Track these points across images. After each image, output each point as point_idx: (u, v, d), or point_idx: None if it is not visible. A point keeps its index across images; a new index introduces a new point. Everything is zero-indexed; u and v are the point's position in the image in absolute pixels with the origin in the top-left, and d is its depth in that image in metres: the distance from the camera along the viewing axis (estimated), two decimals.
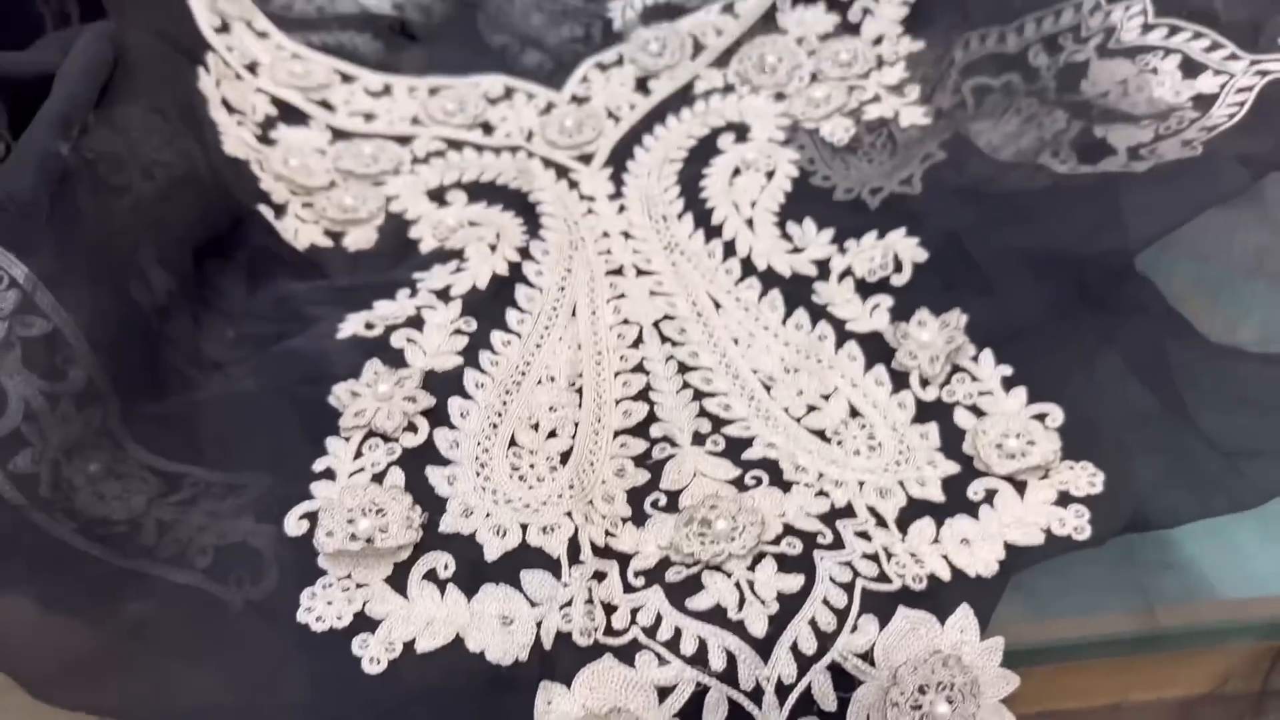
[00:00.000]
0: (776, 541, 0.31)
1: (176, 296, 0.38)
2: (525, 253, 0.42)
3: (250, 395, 0.36)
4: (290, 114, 0.50)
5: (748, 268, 0.43)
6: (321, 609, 0.30)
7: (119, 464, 0.33)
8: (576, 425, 0.35)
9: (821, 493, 0.33)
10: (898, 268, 0.41)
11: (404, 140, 0.50)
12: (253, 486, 0.33)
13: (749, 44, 0.52)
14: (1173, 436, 0.34)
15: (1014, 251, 0.40)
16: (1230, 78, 0.43)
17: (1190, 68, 0.44)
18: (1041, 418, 0.35)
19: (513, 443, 0.35)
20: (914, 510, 0.33)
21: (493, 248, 0.43)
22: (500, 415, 0.35)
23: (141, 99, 0.38)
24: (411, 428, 0.34)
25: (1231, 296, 0.42)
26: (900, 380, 0.38)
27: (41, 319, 0.32)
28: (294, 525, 0.32)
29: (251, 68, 0.51)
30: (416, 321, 0.38)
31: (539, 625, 0.29)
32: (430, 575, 0.31)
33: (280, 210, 0.45)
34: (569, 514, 0.32)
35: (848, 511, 0.33)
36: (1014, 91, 0.47)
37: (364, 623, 0.30)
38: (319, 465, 0.33)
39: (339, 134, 0.50)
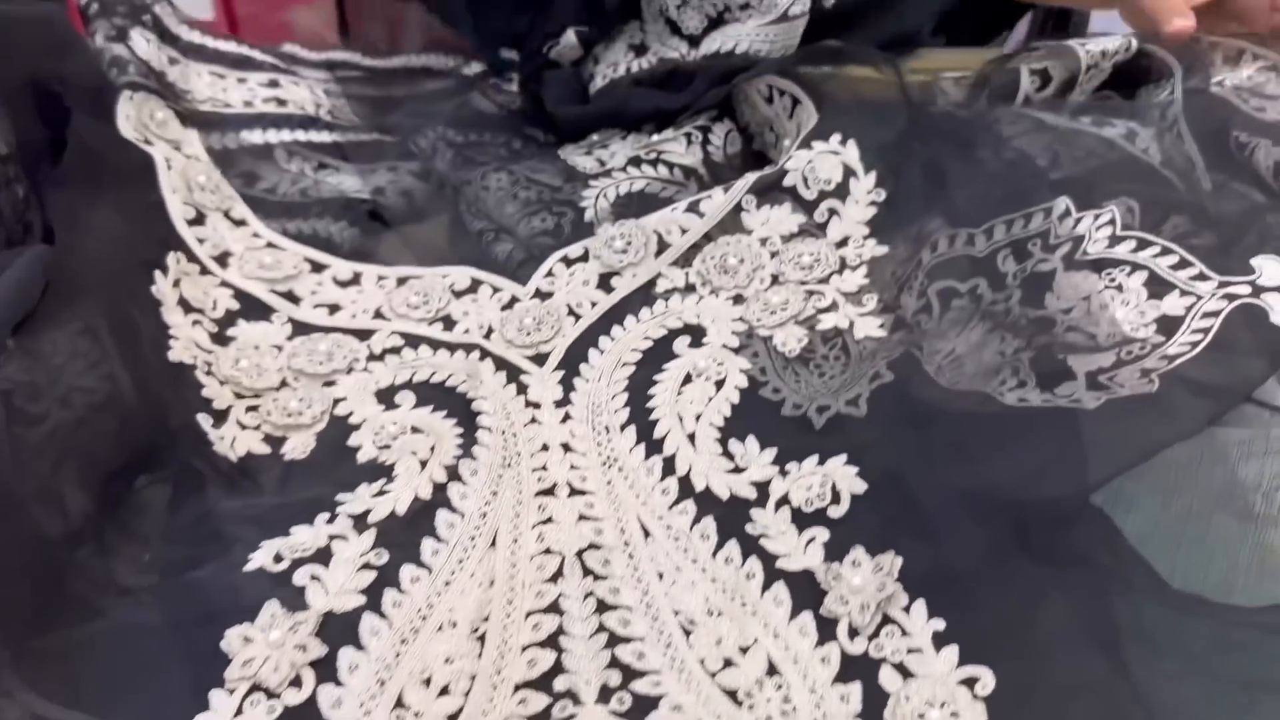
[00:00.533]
0: None
1: (92, 520, 0.38)
2: (454, 472, 0.41)
3: (148, 630, 0.35)
4: (253, 308, 0.51)
5: (685, 488, 0.41)
6: None
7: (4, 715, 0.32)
8: (473, 679, 0.34)
9: None
10: (835, 499, 0.39)
11: (364, 335, 0.50)
12: None
13: (713, 243, 0.52)
14: (1111, 712, 0.32)
15: (954, 491, 0.38)
16: (1197, 300, 0.41)
17: (1156, 285, 0.42)
18: (971, 683, 0.33)
19: (399, 703, 0.33)
20: None
21: (424, 464, 0.42)
22: (390, 670, 0.34)
23: (73, 321, 0.39)
24: (297, 682, 0.33)
25: (1197, 535, 0.39)
26: (827, 629, 0.35)
27: None
28: None
29: (222, 259, 0.52)
30: (325, 555, 0.37)
31: None
32: None
33: (221, 417, 0.44)
34: None
35: None
36: (980, 298, 0.46)
37: None
38: None
39: (300, 328, 0.50)
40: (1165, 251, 0.43)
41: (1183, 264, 0.42)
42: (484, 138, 0.65)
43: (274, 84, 0.66)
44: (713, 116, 0.61)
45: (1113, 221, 0.45)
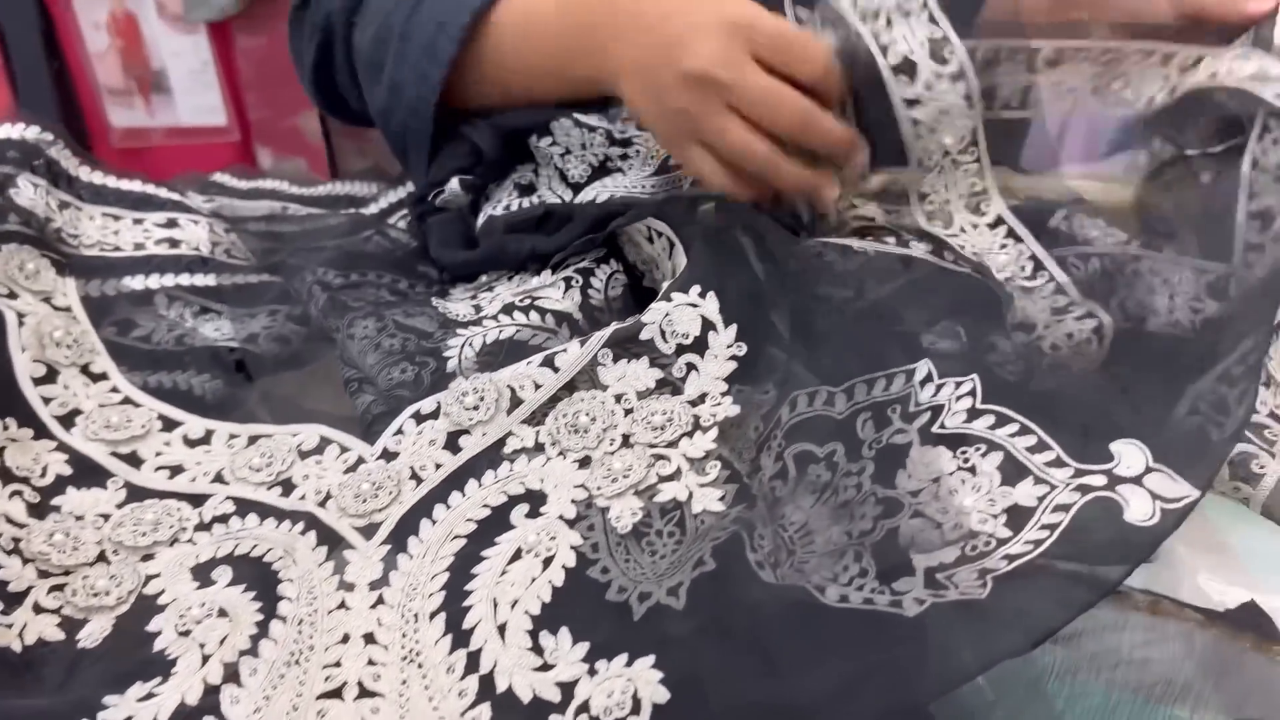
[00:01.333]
0: None
1: None
2: (233, 670, 0.38)
3: None
4: (86, 473, 0.48)
5: (485, 688, 0.37)
6: None
7: None
8: None
9: None
10: (635, 708, 0.35)
11: (198, 500, 0.48)
12: None
13: (568, 399, 0.49)
14: None
15: (758, 708, 0.34)
16: (1050, 490, 0.37)
17: (1010, 471, 0.39)
18: None
19: None
20: None
21: (206, 659, 0.39)
22: None
23: None
24: None
25: None
26: None
27: None
28: None
29: (68, 418, 0.50)
30: None
31: None
32: None
33: (15, 601, 0.42)
34: None
35: None
36: (835, 466, 0.42)
37: None
38: None
39: (134, 493, 0.48)
40: (1024, 431, 0.40)
41: (1040, 446, 0.39)
42: (367, 278, 0.63)
43: (171, 224, 0.65)
44: (598, 258, 0.59)
45: (973, 393, 0.42)
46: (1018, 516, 0.37)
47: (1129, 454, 0.38)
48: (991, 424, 0.41)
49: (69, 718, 0.36)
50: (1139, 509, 0.36)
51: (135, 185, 0.67)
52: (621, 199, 0.59)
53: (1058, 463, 0.38)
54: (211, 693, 0.37)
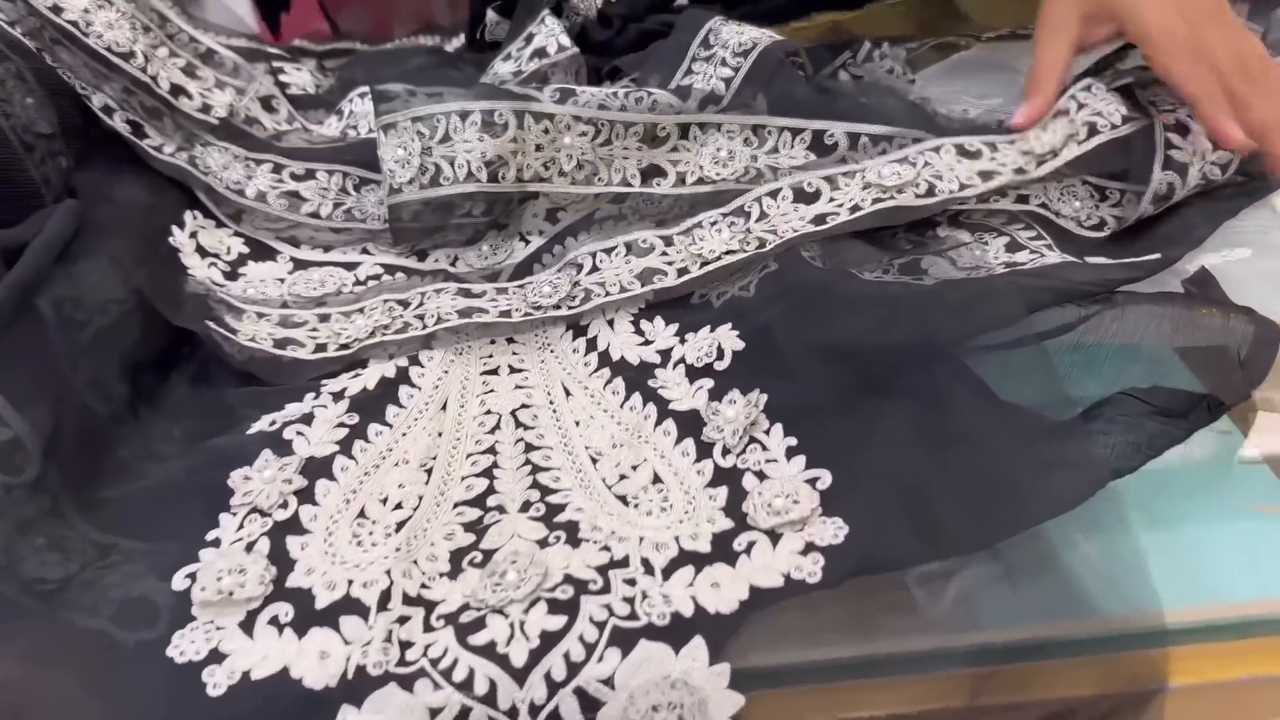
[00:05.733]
0: (554, 589, 0.38)
1: (132, 404, 0.48)
2: (415, 359, 0.51)
3: (175, 481, 0.45)
4: (260, 251, 0.61)
5: (603, 359, 0.50)
6: (185, 646, 0.38)
7: (62, 537, 0.42)
8: (420, 499, 0.43)
9: (605, 548, 0.40)
10: (720, 356, 0.48)
11: (351, 266, 0.60)
12: (162, 552, 0.42)
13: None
14: (916, 489, 0.40)
15: (812, 342, 0.46)
16: (1040, 257, 0.51)
17: (1013, 247, 0.52)
18: (813, 481, 0.41)
19: (362, 514, 0.42)
20: (681, 560, 0.39)
21: (391, 356, 0.51)
22: (355, 493, 0.43)
23: (101, 253, 0.49)
24: (284, 505, 0.43)
25: None
26: (704, 450, 0.44)
27: (5, 428, 0.42)
28: (179, 582, 0.40)
29: (235, 216, 0.62)
30: (308, 418, 0.47)
31: (347, 659, 0.37)
32: (273, 620, 0.38)
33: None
34: (388, 572, 0.39)
35: (623, 563, 0.39)
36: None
37: (215, 657, 0.37)
38: (210, 535, 0.42)
39: (299, 264, 0.60)
40: (1028, 227, 0.55)
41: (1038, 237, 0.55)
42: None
43: (280, 70, 0.76)
44: None
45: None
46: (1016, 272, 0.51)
47: None
48: (1003, 221, 0.55)
49: (298, 393, 0.49)
50: None
51: (243, 42, 0.78)
52: None
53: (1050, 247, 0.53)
54: (403, 371, 0.50)
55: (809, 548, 0.39)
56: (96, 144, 0.57)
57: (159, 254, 0.54)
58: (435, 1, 0.98)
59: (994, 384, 0.44)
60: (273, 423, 0.47)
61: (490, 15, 0.77)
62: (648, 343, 0.50)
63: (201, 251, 0.59)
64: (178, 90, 0.64)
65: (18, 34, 0.54)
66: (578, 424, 0.47)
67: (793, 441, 0.43)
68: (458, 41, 0.86)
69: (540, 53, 0.69)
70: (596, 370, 0.49)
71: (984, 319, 0.46)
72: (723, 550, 0.39)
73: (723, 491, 0.42)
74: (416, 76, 0.74)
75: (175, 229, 0.58)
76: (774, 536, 0.39)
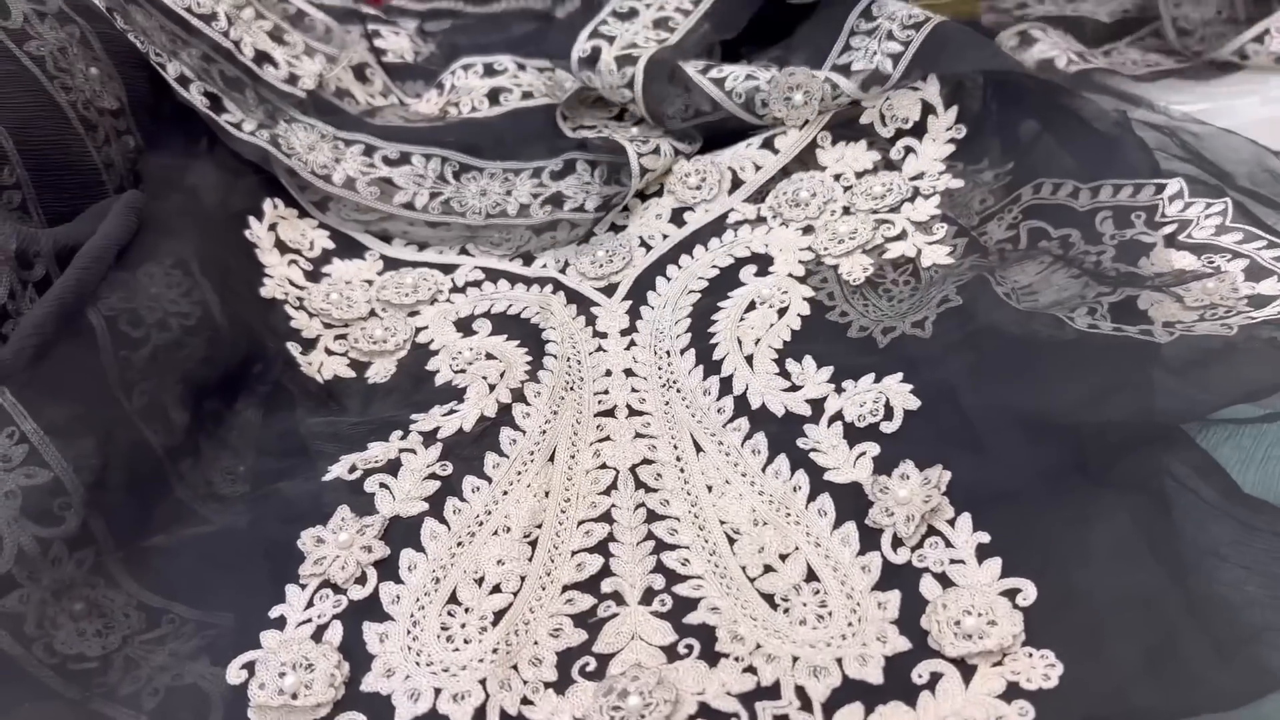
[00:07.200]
0: None
1: (192, 434, 0.41)
2: (519, 394, 0.43)
3: (237, 532, 0.38)
4: (347, 247, 0.54)
5: (740, 406, 0.42)
6: None
7: (105, 601, 0.36)
8: (523, 579, 0.36)
9: (750, 668, 0.32)
10: (889, 414, 0.39)
11: (448, 269, 0.53)
12: (218, 626, 0.35)
13: (786, 180, 0.52)
14: (1157, 621, 0.31)
15: (1011, 410, 0.37)
16: None
17: (1256, 271, 0.41)
18: (1012, 594, 0.33)
19: (453, 598, 0.35)
20: (847, 692, 0.31)
21: (492, 387, 0.44)
22: (446, 569, 0.36)
23: (166, 256, 0.42)
24: (362, 579, 0.36)
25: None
26: (870, 539, 0.36)
27: (44, 469, 0.36)
28: (234, 674, 0.33)
29: (321, 204, 0.55)
30: (394, 466, 0.40)
31: None
32: None
33: (309, 345, 0.48)
34: (483, 682, 0.32)
35: (773, 691, 0.31)
36: (1070, 245, 0.45)
37: None
38: (274, 612, 0.35)
39: (390, 263, 0.53)
40: (1271, 245, 0.42)
41: None
42: None
43: (376, 34, 0.69)
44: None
45: (1224, 213, 0.44)
46: (1260, 301, 0.39)
47: None
48: (1239, 239, 0.43)
49: (383, 430, 0.42)
50: None
51: (338, 1, 0.71)
52: None
53: None
54: (505, 410, 0.43)
55: (1013, 691, 0.30)
56: (167, 122, 0.51)
57: (233, 251, 0.47)
58: None
59: (1237, 473, 0.35)
60: (353, 468, 0.40)
61: None
62: (795, 388, 0.42)
63: (281, 247, 0.52)
64: (262, 58, 0.58)
65: None
66: (710, 489, 0.39)
67: (985, 538, 0.35)
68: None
69: None
70: (732, 420, 0.41)
71: (1230, 390, 0.36)
72: (898, 682, 0.31)
73: (894, 598, 0.34)
74: (522, 44, 0.67)
75: (253, 220, 0.51)
76: (965, 668, 0.31)
